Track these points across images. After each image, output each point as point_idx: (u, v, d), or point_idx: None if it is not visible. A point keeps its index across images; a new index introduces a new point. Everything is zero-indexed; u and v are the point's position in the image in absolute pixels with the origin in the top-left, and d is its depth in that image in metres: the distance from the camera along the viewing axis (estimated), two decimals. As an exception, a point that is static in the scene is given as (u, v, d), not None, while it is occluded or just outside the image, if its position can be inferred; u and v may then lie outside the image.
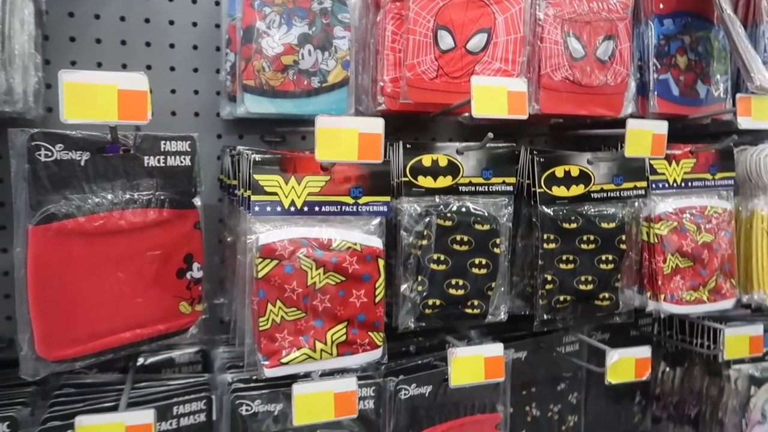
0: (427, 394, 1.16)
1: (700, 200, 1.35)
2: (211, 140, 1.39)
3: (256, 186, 1.00)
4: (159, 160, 1.03)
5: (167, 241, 1.04)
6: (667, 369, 1.69)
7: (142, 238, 1.01)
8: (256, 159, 1.01)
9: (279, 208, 1.01)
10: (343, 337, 1.04)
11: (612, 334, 1.56)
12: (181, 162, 1.06)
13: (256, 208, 1.01)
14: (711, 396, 1.56)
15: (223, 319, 1.32)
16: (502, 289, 1.22)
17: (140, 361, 1.25)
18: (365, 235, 1.06)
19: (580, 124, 1.48)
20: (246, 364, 1.05)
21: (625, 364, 1.15)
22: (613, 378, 1.13)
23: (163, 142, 1.04)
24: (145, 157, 1.02)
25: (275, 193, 1.01)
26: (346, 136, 0.94)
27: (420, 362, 1.22)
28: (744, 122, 1.23)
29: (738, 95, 1.25)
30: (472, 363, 1.08)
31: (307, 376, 1.05)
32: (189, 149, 1.06)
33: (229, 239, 1.27)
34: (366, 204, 1.06)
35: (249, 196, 1.01)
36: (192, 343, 1.30)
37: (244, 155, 1.05)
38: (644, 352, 1.16)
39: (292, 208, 1.02)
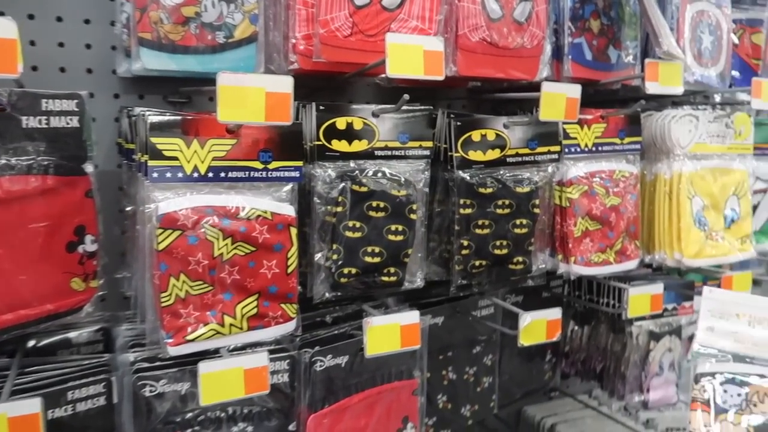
0: (343, 365, 1.14)
1: (609, 164, 1.38)
2: (108, 100, 1.26)
3: (153, 150, 0.92)
4: (40, 121, 0.93)
5: (54, 211, 0.94)
6: (576, 328, 1.77)
7: (24, 208, 0.91)
8: (153, 120, 0.92)
9: (180, 174, 0.94)
10: (254, 311, 0.99)
11: (525, 296, 1.60)
12: (68, 123, 0.95)
13: (155, 174, 0.92)
14: (615, 351, 1.64)
15: (126, 295, 1.23)
16: (419, 255, 1.20)
17: (31, 343, 1.14)
18: (276, 203, 1.00)
19: (497, 88, 1.47)
20: (148, 342, 0.98)
21: (536, 326, 1.17)
22: (525, 340, 1.15)
23: (44, 100, 0.93)
24: (23, 117, 0.91)
25: (175, 158, 0.93)
26: (251, 96, 0.87)
27: (336, 332, 1.19)
28: (651, 87, 1.26)
29: (646, 60, 1.28)
30: (387, 332, 1.07)
31: (216, 352, 0.99)
32: (76, 109, 0.95)
33: (129, 209, 1.17)
34: (276, 169, 1.00)
35: (146, 161, 0.93)
36: (92, 321, 1.21)
37: (140, 116, 0.95)
38: (555, 314, 1.19)
39: (195, 174, 0.95)
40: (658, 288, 1.32)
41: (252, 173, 0.99)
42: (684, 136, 1.42)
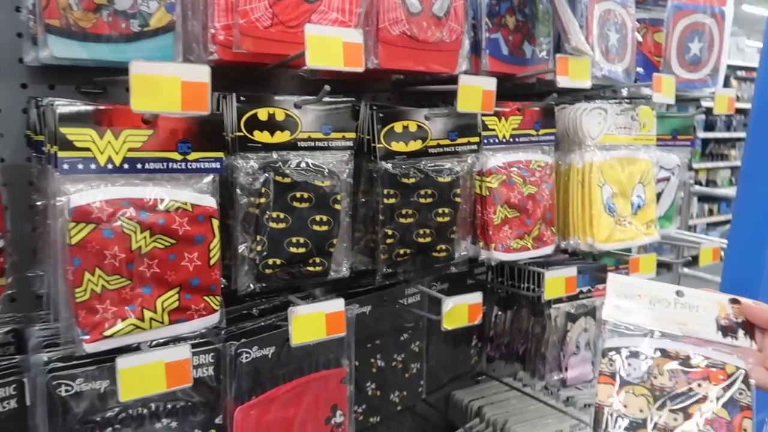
0: (270, 356, 1.14)
1: (526, 155, 1.45)
2: (14, 90, 1.20)
3: (63, 141, 0.89)
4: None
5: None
6: (500, 313, 1.84)
7: None
8: (63, 111, 0.89)
9: (93, 166, 0.91)
10: (176, 304, 0.97)
11: (450, 283, 1.65)
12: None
13: (65, 166, 0.89)
14: (535, 334, 1.72)
15: (39, 293, 1.18)
16: (344, 245, 1.22)
17: (-67, 347, 1.07)
18: (197, 194, 0.99)
19: (420, 81, 1.50)
20: (63, 340, 0.95)
21: (458, 310, 1.21)
22: (448, 324, 1.19)
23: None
24: None
25: (88, 149, 0.90)
26: (167, 85, 0.85)
27: (263, 324, 1.19)
28: (562, 81, 1.32)
29: (557, 55, 1.35)
30: (313, 320, 1.08)
31: (138, 348, 0.97)
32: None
33: (39, 203, 1.12)
34: (196, 160, 0.99)
35: (56, 153, 0.89)
36: (2, 322, 1.15)
37: (49, 106, 0.92)
38: (476, 298, 1.24)
39: (110, 166, 0.92)
40: (571, 271, 1.40)
41: (170, 164, 0.97)
42: (594, 127, 1.51)
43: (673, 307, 0.86)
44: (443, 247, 1.32)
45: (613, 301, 0.89)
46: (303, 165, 1.13)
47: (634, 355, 0.83)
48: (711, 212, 8.04)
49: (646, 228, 1.59)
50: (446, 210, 1.29)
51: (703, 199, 7.82)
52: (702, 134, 7.60)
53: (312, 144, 1.15)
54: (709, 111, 1.81)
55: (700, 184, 7.70)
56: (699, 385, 0.79)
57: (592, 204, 1.50)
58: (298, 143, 1.13)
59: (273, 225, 1.10)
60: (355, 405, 1.44)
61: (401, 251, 1.26)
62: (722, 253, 1.76)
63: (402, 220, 1.25)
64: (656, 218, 1.62)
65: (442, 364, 1.67)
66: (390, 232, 1.24)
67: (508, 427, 1.79)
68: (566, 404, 1.96)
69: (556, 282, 1.37)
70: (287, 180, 1.10)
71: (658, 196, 1.76)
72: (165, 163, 0.96)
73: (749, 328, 0.85)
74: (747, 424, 0.76)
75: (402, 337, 1.51)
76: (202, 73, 0.88)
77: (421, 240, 1.28)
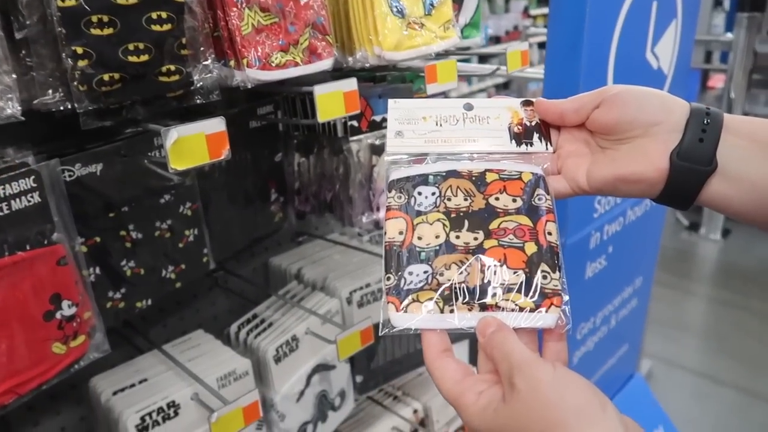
0: None
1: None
2: None
3: None
4: None
5: None
6: (302, 159, 1.58)
7: None
8: None
9: None
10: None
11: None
12: None
13: None
14: (340, 176, 1.49)
15: None
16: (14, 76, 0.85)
17: None
18: None
19: None
20: None
21: (192, 144, 0.91)
22: (178, 164, 0.89)
23: None
24: None
25: None
26: None
27: None
28: None
29: None
30: None
31: None
32: None
33: None
34: None
35: None
36: None
37: None
38: (215, 125, 0.94)
39: None
40: (350, 84, 1.13)
41: None
42: None
43: (462, 123, 0.77)
44: (172, 68, 0.98)
45: (395, 128, 0.76)
46: None
47: (423, 181, 0.71)
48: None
49: (444, 30, 1.35)
50: (163, 14, 0.94)
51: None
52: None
53: None
54: None
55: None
56: (497, 199, 0.70)
57: (374, 4, 1.22)
58: None
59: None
60: (110, 290, 1.15)
61: (105, 77, 0.91)
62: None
63: (94, 31, 0.88)
64: (454, 19, 1.38)
65: (233, 227, 1.40)
66: (80, 50, 0.88)
67: (328, 283, 1.61)
68: (394, 249, 1.81)
69: (330, 99, 1.10)
70: None
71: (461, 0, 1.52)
72: None
73: (544, 129, 0.77)
74: (551, 227, 0.68)
75: (162, 200, 1.20)
76: None
77: (132, 59, 0.93)
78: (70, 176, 1.04)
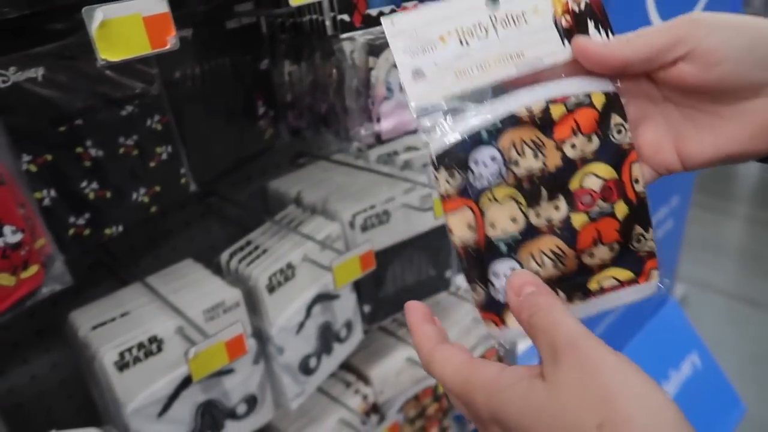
0: None
1: None
2: None
3: None
4: None
5: None
6: (293, 68, 1.39)
7: None
8: None
9: None
10: None
11: (196, 29, 1.16)
12: None
13: None
14: (334, 83, 1.31)
15: None
16: None
17: None
18: None
19: None
20: None
21: (125, 28, 0.74)
22: (108, 54, 0.72)
23: None
24: None
25: None
26: None
27: None
28: None
29: None
30: None
31: None
32: None
33: None
34: None
35: None
36: None
37: None
38: (155, 5, 0.74)
39: None
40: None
41: None
42: None
43: (495, 32, 0.53)
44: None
45: (409, 65, 0.52)
46: None
47: (476, 142, 0.52)
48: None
49: None
50: None
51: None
52: None
53: None
54: None
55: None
56: (573, 146, 0.52)
57: None
58: None
59: None
60: (71, 215, 1.01)
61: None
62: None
63: None
64: None
65: (214, 144, 1.25)
66: None
67: (327, 206, 1.46)
68: (403, 169, 1.65)
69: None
70: None
71: None
72: None
73: (599, 12, 0.54)
74: (636, 170, 0.53)
75: (123, 112, 1.05)
76: None
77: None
78: (4, 82, 0.88)
